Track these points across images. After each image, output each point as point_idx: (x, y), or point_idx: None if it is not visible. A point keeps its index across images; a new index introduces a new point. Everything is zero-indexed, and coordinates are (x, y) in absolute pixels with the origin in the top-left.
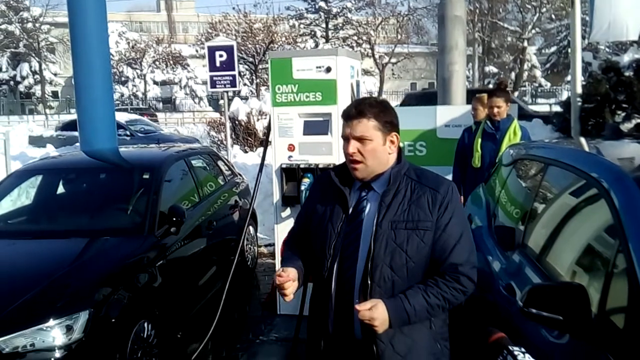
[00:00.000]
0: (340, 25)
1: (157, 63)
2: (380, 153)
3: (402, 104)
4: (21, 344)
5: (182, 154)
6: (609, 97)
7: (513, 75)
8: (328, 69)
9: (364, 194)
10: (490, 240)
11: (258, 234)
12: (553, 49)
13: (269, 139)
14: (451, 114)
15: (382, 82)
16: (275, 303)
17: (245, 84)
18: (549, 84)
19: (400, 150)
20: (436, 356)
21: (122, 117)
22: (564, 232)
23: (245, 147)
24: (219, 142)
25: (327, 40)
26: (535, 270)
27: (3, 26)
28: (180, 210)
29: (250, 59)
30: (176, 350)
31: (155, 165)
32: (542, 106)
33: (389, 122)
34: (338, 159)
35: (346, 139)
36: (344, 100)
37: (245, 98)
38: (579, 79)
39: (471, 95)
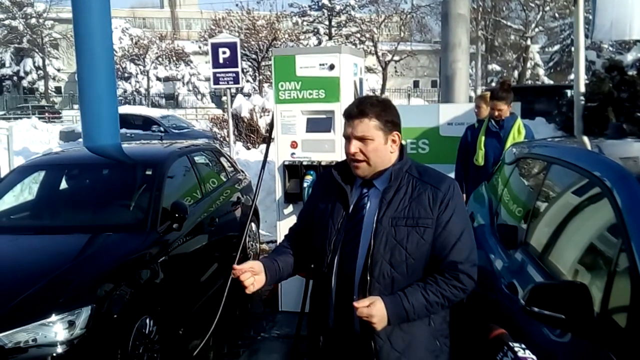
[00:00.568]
0: (344, 22)
1: (160, 59)
2: (381, 152)
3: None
4: (23, 339)
5: (184, 150)
6: (612, 95)
7: (516, 73)
8: (331, 67)
9: (365, 190)
10: (492, 238)
11: (260, 231)
12: (556, 47)
13: (272, 136)
14: (454, 112)
15: (384, 79)
16: (277, 300)
17: (248, 81)
18: (552, 83)
19: (402, 148)
20: (435, 353)
21: (155, 113)
22: (567, 230)
23: (248, 144)
24: (221, 139)
25: (330, 37)
26: (537, 269)
27: (7, 22)
28: (183, 206)
29: (253, 56)
30: (178, 346)
31: (158, 162)
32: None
33: (390, 121)
34: (340, 156)
35: (348, 138)
36: (347, 97)
37: (248, 95)
38: (582, 78)
39: None
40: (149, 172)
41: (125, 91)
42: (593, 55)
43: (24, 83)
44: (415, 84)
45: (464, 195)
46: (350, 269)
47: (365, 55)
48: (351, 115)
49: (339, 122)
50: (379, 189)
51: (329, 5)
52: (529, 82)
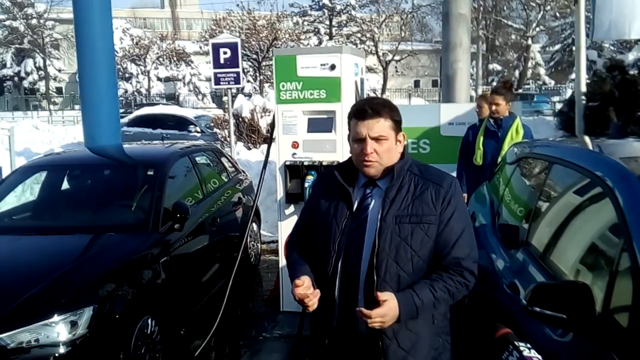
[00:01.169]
0: (344, 22)
1: (161, 59)
2: (392, 152)
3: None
4: (26, 340)
5: (186, 150)
6: (614, 95)
7: (517, 73)
8: (332, 67)
9: (368, 191)
10: (494, 238)
11: (261, 231)
12: (557, 46)
13: (273, 136)
14: (455, 112)
15: (385, 79)
16: (279, 300)
17: (248, 81)
18: (552, 82)
19: (403, 147)
20: (438, 351)
21: (190, 113)
22: (568, 230)
23: (249, 144)
24: (222, 139)
25: (331, 37)
26: (539, 269)
27: (7, 22)
28: (184, 206)
29: (254, 56)
30: (179, 346)
31: (159, 162)
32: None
33: (399, 121)
34: (342, 156)
35: (360, 139)
36: (348, 98)
37: (249, 95)
38: (584, 77)
39: None
40: (150, 173)
41: (126, 91)
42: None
43: (25, 84)
44: (416, 84)
45: (464, 195)
46: (354, 270)
47: (366, 55)
48: (366, 115)
49: (340, 122)
50: (381, 188)
51: (330, 5)
52: (530, 81)
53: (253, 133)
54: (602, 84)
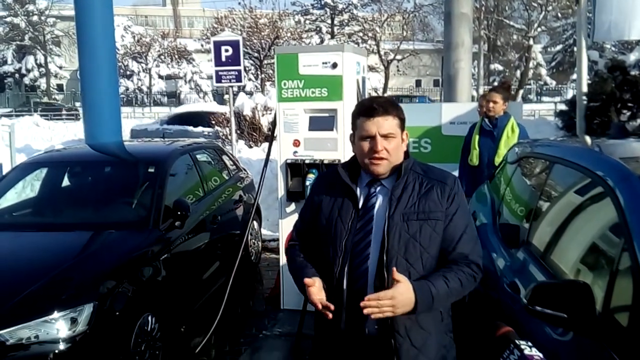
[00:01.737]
0: (346, 21)
1: (162, 57)
2: (399, 149)
3: None
4: (25, 336)
5: (187, 148)
6: (615, 95)
7: (518, 73)
8: (334, 65)
9: (373, 190)
10: (494, 237)
11: (262, 229)
12: (559, 47)
13: (274, 134)
14: (456, 111)
15: (387, 78)
16: (279, 298)
17: (250, 79)
18: (554, 82)
19: (407, 146)
20: (446, 348)
21: (227, 109)
22: (569, 230)
23: (250, 142)
24: (223, 137)
25: (333, 36)
26: (539, 268)
27: (9, 19)
28: (185, 204)
29: (256, 54)
30: (180, 344)
31: (160, 159)
32: (547, 104)
33: (403, 119)
34: (343, 154)
35: (370, 137)
36: (350, 96)
37: (250, 93)
38: (585, 78)
39: None
40: (151, 170)
41: (127, 89)
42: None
43: (26, 80)
44: (418, 83)
45: None
46: (362, 269)
47: (368, 54)
48: (374, 113)
49: (342, 120)
50: (387, 187)
51: (332, 3)
52: (532, 81)
53: (254, 131)
54: (604, 85)
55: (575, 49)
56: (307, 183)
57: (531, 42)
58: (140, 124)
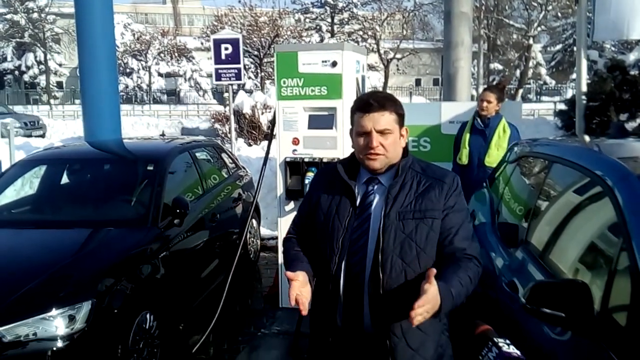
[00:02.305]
0: (346, 20)
1: (162, 55)
2: (397, 145)
3: None
4: (23, 333)
5: (186, 146)
6: (614, 95)
7: (518, 72)
8: (334, 64)
9: (370, 187)
10: (493, 237)
11: (261, 228)
12: (558, 46)
13: (274, 133)
14: (456, 110)
15: (386, 77)
16: (277, 296)
17: (249, 77)
18: (553, 82)
19: (406, 145)
20: (443, 348)
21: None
22: (568, 229)
23: (250, 141)
24: (223, 135)
25: (333, 34)
26: (538, 268)
27: (8, 16)
28: (184, 202)
29: (255, 53)
30: (178, 341)
31: (159, 157)
32: (546, 104)
33: (402, 114)
34: (342, 153)
35: (365, 133)
36: (349, 95)
37: (250, 91)
38: (584, 77)
39: None
40: (150, 168)
41: (126, 87)
42: (595, 55)
43: (26, 77)
44: (417, 82)
45: None
46: (359, 267)
47: (368, 52)
48: (371, 108)
49: (341, 119)
50: (384, 185)
51: (332, 2)
52: (531, 81)
53: (254, 129)
54: (603, 84)
55: (574, 48)
56: (306, 181)
57: (531, 41)
58: (192, 122)
